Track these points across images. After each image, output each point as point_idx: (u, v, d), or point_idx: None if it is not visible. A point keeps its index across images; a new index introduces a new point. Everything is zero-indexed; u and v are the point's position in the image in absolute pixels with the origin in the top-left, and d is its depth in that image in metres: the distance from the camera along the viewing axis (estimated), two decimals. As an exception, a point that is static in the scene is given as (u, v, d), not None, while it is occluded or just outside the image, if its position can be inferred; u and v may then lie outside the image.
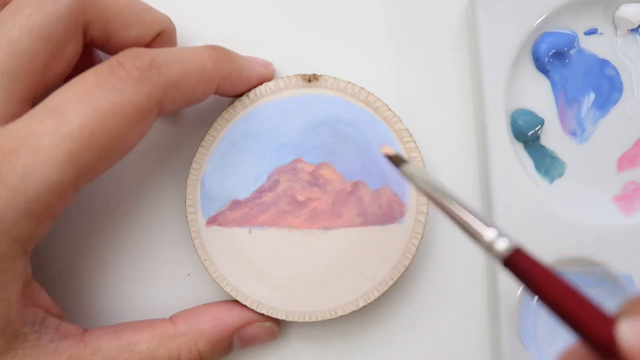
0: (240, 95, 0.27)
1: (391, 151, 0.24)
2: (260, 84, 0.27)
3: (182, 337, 0.25)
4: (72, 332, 0.23)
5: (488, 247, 0.18)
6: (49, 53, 0.23)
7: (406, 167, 0.23)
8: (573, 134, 0.28)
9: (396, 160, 0.24)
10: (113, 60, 0.22)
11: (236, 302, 0.27)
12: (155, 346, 0.24)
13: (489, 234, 0.18)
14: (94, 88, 0.21)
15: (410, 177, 0.22)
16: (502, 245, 0.17)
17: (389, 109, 0.27)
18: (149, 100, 0.22)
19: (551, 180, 0.28)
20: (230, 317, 0.26)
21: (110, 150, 0.21)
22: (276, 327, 0.28)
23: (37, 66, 0.22)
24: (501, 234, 0.18)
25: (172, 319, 0.26)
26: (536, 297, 0.16)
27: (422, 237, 0.27)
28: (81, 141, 0.21)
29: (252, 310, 0.27)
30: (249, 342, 0.27)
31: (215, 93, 0.25)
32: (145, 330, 0.25)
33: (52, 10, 0.22)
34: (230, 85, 0.26)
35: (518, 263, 0.17)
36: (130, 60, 0.22)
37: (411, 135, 0.27)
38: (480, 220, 0.18)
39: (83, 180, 0.22)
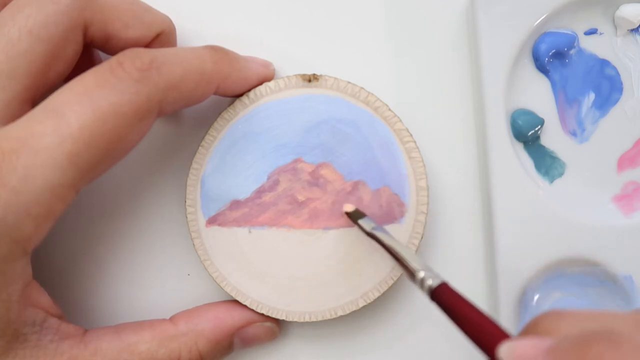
0: (240, 95, 0.27)
1: (350, 207, 0.27)
2: (260, 84, 0.27)
3: (183, 338, 0.25)
4: (73, 333, 0.23)
5: (420, 283, 0.21)
6: (49, 54, 0.23)
7: (364, 221, 0.25)
8: (573, 134, 0.28)
9: (355, 215, 0.26)
10: (113, 61, 0.22)
11: (236, 302, 0.27)
12: (155, 346, 0.24)
13: (421, 273, 0.21)
14: (94, 89, 0.21)
15: (365, 230, 0.25)
16: (429, 282, 0.21)
17: (389, 109, 0.27)
18: (149, 100, 0.22)
19: (551, 180, 0.28)
20: (231, 318, 0.26)
21: (110, 150, 0.21)
22: (276, 327, 0.28)
23: (36, 67, 0.22)
24: (430, 275, 0.21)
25: (172, 319, 0.26)
26: (454, 323, 0.19)
27: (422, 237, 0.27)
28: (81, 142, 0.21)
29: (253, 310, 0.27)
30: (250, 343, 0.27)
31: (215, 93, 0.25)
32: (145, 331, 0.25)
33: (51, 11, 0.22)
34: (230, 85, 0.26)
35: (441, 294, 0.20)
36: (130, 60, 0.22)
37: (411, 135, 0.27)
38: (416, 263, 0.22)
39: (83, 181, 0.22)
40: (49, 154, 0.20)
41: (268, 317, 0.27)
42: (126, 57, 0.22)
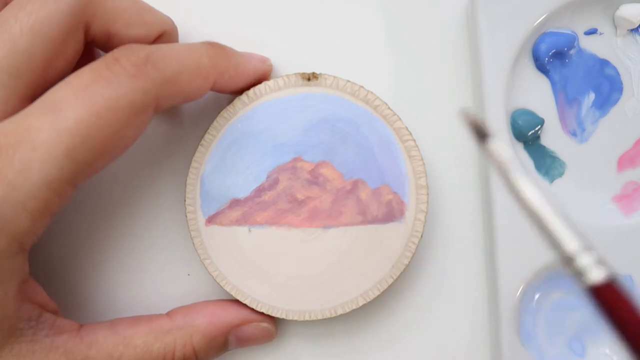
0: (238, 92, 0.27)
1: (472, 118, 0.19)
2: (259, 79, 0.27)
3: (178, 332, 0.25)
4: (68, 327, 0.24)
5: (577, 271, 0.16)
6: (50, 52, 0.23)
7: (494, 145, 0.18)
8: (573, 134, 0.28)
9: (480, 132, 0.19)
10: (109, 56, 0.22)
11: (234, 301, 0.27)
12: (151, 340, 0.24)
13: (583, 259, 0.16)
14: (90, 84, 0.21)
15: (495, 162, 0.18)
16: (595, 273, 0.15)
17: (389, 108, 0.27)
18: (145, 95, 0.22)
19: (551, 180, 0.28)
20: (227, 315, 0.26)
21: (107, 145, 0.21)
22: (273, 329, 0.28)
23: (37, 64, 0.22)
24: (599, 261, 0.15)
25: (169, 314, 0.26)
26: (618, 334, 0.15)
27: (421, 236, 0.27)
28: (78, 137, 0.21)
29: (250, 309, 0.27)
30: (245, 342, 0.27)
31: (213, 89, 0.25)
32: (142, 325, 0.25)
33: (53, 9, 0.22)
34: (227, 81, 0.26)
35: (608, 296, 0.15)
36: (125, 56, 0.22)
37: (410, 133, 0.27)
38: (575, 237, 0.16)
39: (80, 177, 0.22)
40: (45, 148, 0.20)
41: (266, 317, 0.27)
42: (122, 53, 0.22)
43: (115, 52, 0.22)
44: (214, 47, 0.25)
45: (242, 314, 0.27)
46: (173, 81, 0.23)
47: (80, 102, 0.21)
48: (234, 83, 0.26)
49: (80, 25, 0.23)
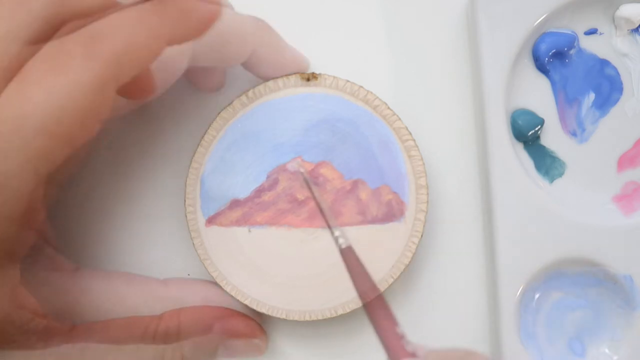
0: (196, 38, 0.24)
1: None
2: (212, 20, 0.24)
3: (169, 341, 0.25)
4: (60, 331, 0.23)
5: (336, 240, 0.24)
6: (23, 56, 0.21)
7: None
8: (573, 134, 0.28)
9: None
10: (56, 42, 0.21)
11: (229, 311, 0.27)
12: (143, 347, 0.25)
13: (336, 232, 0.25)
14: (43, 76, 0.20)
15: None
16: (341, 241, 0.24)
17: (388, 108, 0.27)
18: (100, 76, 0.21)
19: (551, 180, 0.28)
20: (220, 328, 0.26)
21: (75, 134, 0.20)
22: (263, 346, 0.28)
23: (8, 67, 0.21)
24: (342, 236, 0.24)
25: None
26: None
27: (421, 236, 0.27)
28: (45, 136, 0.20)
29: (245, 321, 0.27)
30: (233, 354, 0.27)
31: (170, 44, 0.23)
32: (134, 328, 0.25)
33: (25, 11, 0.21)
34: (181, 35, 0.23)
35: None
36: (71, 39, 0.21)
37: (410, 133, 0.27)
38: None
39: (60, 174, 0.21)
40: (16, 152, 0.19)
41: (259, 331, 0.27)
42: (66, 33, 0.21)
43: (60, 34, 0.21)
44: (162, 4, 0.23)
45: (235, 327, 0.27)
46: (125, 53, 0.21)
47: (39, 97, 0.20)
48: (189, 35, 0.23)
49: (53, 26, 0.22)
